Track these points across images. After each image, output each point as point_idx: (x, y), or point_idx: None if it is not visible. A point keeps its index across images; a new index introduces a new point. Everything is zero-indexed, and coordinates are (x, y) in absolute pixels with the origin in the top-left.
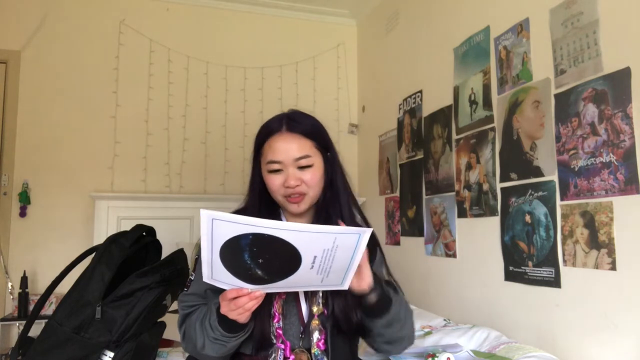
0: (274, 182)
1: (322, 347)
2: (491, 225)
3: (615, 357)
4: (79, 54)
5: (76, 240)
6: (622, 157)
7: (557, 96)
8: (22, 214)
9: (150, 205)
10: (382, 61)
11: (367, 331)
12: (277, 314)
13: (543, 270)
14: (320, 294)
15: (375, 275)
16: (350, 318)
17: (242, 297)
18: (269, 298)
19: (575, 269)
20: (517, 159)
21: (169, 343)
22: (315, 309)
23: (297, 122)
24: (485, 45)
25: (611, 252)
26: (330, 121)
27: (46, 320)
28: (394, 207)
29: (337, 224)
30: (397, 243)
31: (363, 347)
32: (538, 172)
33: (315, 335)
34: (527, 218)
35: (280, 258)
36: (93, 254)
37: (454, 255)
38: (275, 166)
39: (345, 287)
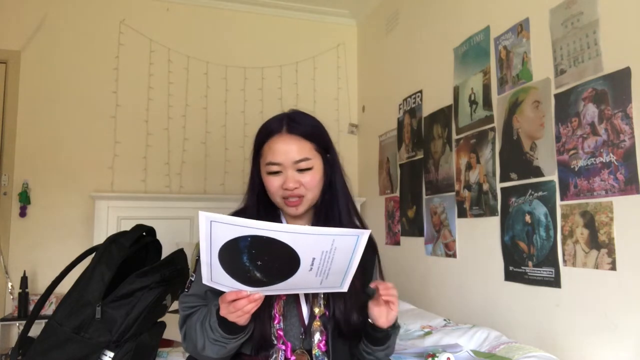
0: (273, 184)
1: (323, 349)
2: (491, 225)
3: (615, 357)
4: (79, 54)
5: (76, 240)
6: (622, 157)
7: (557, 96)
8: (22, 214)
9: (150, 205)
10: (382, 61)
11: (361, 348)
12: (277, 315)
13: (543, 270)
14: (322, 295)
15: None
16: (350, 321)
17: (241, 300)
18: (269, 299)
19: (575, 269)
20: (517, 159)
21: (169, 343)
22: (316, 310)
23: (297, 124)
24: (485, 45)
25: (611, 252)
26: (330, 121)
27: (46, 320)
28: (394, 207)
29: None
30: (397, 243)
31: None
32: (538, 172)
33: (317, 337)
34: (527, 218)
35: (278, 260)
36: (93, 254)
37: (454, 255)
38: (274, 168)
39: (345, 289)
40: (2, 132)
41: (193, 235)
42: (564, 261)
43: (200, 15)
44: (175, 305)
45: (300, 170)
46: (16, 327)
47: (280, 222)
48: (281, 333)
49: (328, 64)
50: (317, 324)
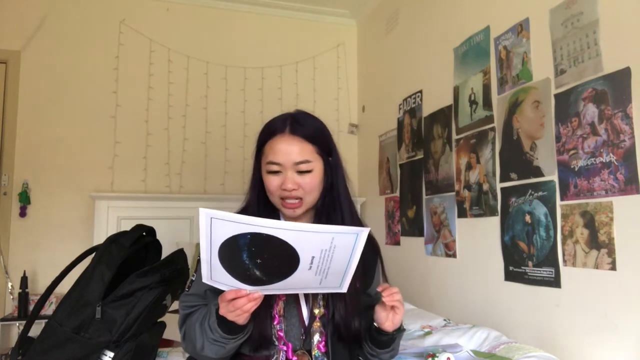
0: (272, 183)
1: (323, 350)
2: (491, 225)
3: (615, 357)
4: (79, 54)
5: (76, 240)
6: (622, 157)
7: (557, 96)
8: (22, 214)
9: (150, 205)
10: (382, 61)
11: (365, 351)
12: (277, 316)
13: (543, 270)
14: (321, 296)
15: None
16: (350, 326)
17: (240, 299)
18: (269, 300)
19: (575, 269)
20: (517, 159)
21: (169, 343)
22: (316, 311)
23: (300, 125)
24: (485, 45)
25: (611, 252)
26: (330, 121)
27: (46, 320)
28: (394, 207)
29: None
30: (397, 243)
31: None
32: (538, 172)
33: (316, 338)
34: (527, 218)
35: (278, 258)
36: (93, 254)
37: (454, 255)
38: (275, 167)
39: (344, 290)
40: (2, 132)
41: (193, 235)
42: (564, 261)
43: (200, 15)
44: (175, 305)
45: (300, 172)
46: (16, 327)
47: (280, 220)
48: (282, 334)
49: (328, 64)
50: (317, 324)
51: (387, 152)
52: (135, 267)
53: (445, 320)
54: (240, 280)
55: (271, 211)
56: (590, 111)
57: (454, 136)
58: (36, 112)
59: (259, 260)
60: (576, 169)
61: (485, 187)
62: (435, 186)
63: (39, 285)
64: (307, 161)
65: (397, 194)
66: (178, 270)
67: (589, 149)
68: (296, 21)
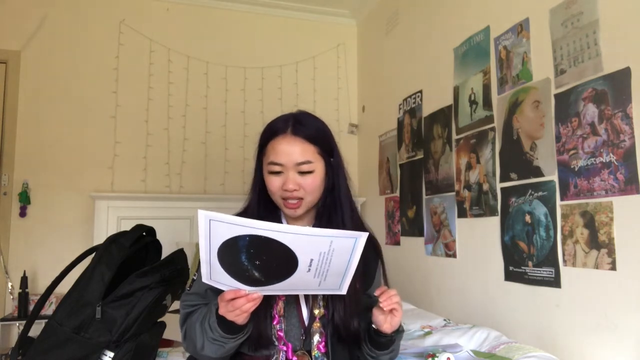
0: (273, 184)
1: (323, 350)
2: (491, 225)
3: (615, 357)
4: (79, 53)
5: (76, 240)
6: (622, 157)
7: (557, 96)
8: (22, 214)
9: (150, 205)
10: (382, 61)
11: (364, 352)
12: (277, 316)
13: (543, 270)
14: (321, 296)
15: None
16: (349, 327)
17: (239, 299)
18: (269, 300)
19: (575, 269)
20: (517, 159)
21: (169, 343)
22: (316, 311)
23: (302, 125)
24: (485, 45)
25: (611, 252)
26: (330, 121)
27: (46, 320)
28: (394, 207)
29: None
30: (397, 243)
31: None
32: (538, 172)
33: (316, 338)
34: (527, 218)
35: (277, 260)
36: (93, 254)
37: (454, 255)
38: (276, 168)
39: (344, 292)
40: (2, 132)
41: (193, 235)
42: (564, 261)
43: (200, 15)
44: (175, 305)
45: (301, 173)
46: (16, 327)
47: (280, 221)
48: (282, 334)
49: (328, 64)
50: (316, 325)
51: (387, 152)
52: (135, 267)
53: (445, 320)
54: (239, 281)
55: (272, 211)
56: (590, 111)
57: (454, 136)
58: (36, 112)
59: (257, 262)
60: (576, 169)
61: (485, 187)
62: (435, 186)
63: (39, 285)
64: (308, 162)
65: (397, 194)
66: (178, 270)
67: (589, 149)
68: (296, 21)
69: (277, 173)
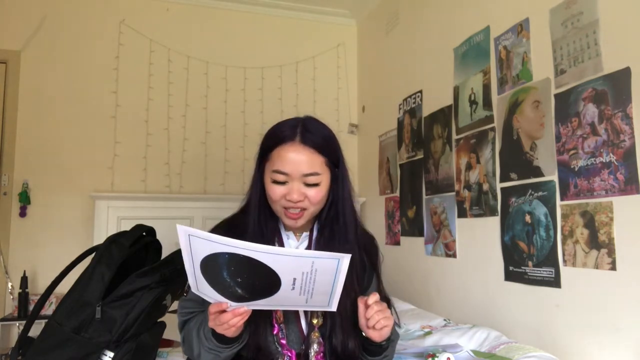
0: (276, 192)
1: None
2: (491, 225)
3: (615, 357)
4: (79, 54)
5: (76, 240)
6: (622, 157)
7: (557, 96)
8: (22, 214)
9: (150, 205)
10: (382, 61)
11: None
12: (276, 324)
13: (543, 270)
14: None
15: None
16: (345, 348)
17: (226, 314)
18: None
19: (575, 269)
20: (517, 159)
21: (169, 343)
22: (315, 321)
23: (311, 134)
24: (485, 45)
25: (611, 252)
26: (330, 121)
27: (46, 320)
28: (394, 207)
29: (342, 244)
30: (397, 243)
31: None
32: (538, 172)
33: (314, 348)
34: (527, 218)
35: (259, 278)
36: (93, 254)
37: (454, 255)
38: (281, 177)
39: (333, 308)
40: (2, 132)
41: None
42: (564, 261)
43: (200, 15)
44: (175, 305)
45: (307, 184)
46: (16, 327)
47: (279, 229)
48: (284, 342)
49: (328, 64)
50: (315, 335)
51: (387, 152)
52: (135, 267)
53: (445, 320)
54: (224, 296)
55: (270, 217)
56: (590, 111)
57: (454, 136)
58: (36, 112)
59: (239, 279)
60: (576, 169)
61: (485, 187)
62: (435, 186)
63: (39, 285)
64: (316, 173)
65: (397, 194)
66: (178, 270)
67: (589, 149)
68: (296, 21)
69: (282, 182)
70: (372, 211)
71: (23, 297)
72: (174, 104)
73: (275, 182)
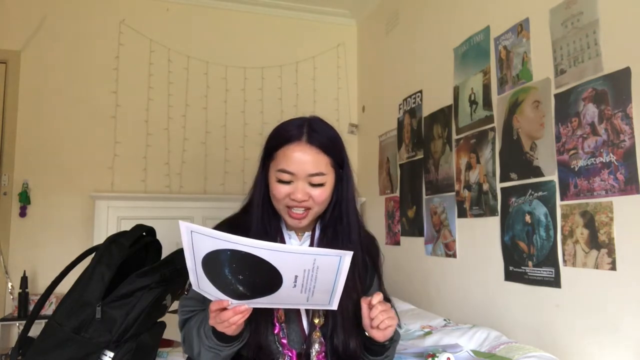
0: (280, 191)
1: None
2: (491, 225)
3: (615, 357)
4: (79, 54)
5: (76, 240)
6: (622, 157)
7: (557, 96)
8: (22, 214)
9: (150, 205)
10: (382, 61)
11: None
12: (277, 324)
13: (543, 270)
14: None
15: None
16: (347, 348)
17: (227, 312)
18: (267, 309)
19: (575, 269)
20: (517, 159)
21: (169, 343)
22: (316, 320)
23: (317, 134)
24: (485, 45)
25: (611, 252)
26: (330, 121)
27: (46, 320)
28: (394, 207)
29: (346, 244)
30: (397, 243)
31: None
32: (538, 172)
33: (316, 347)
34: (527, 218)
35: (260, 275)
36: (93, 254)
37: (454, 255)
38: (286, 177)
39: (334, 307)
40: (2, 132)
41: None
42: (564, 261)
43: (200, 15)
44: (175, 305)
45: (312, 184)
46: (16, 327)
47: (281, 228)
48: (285, 341)
49: (328, 64)
50: (317, 334)
51: (387, 152)
52: (135, 267)
53: (445, 320)
54: (225, 294)
55: (273, 216)
56: (590, 111)
57: (454, 136)
58: (36, 112)
59: (240, 277)
60: (576, 169)
61: (485, 187)
62: (435, 186)
63: (39, 285)
64: (321, 174)
65: (397, 194)
66: (178, 270)
67: (589, 149)
68: (296, 21)
69: (287, 182)
70: (372, 211)
71: (23, 297)
72: (174, 104)
73: (280, 181)
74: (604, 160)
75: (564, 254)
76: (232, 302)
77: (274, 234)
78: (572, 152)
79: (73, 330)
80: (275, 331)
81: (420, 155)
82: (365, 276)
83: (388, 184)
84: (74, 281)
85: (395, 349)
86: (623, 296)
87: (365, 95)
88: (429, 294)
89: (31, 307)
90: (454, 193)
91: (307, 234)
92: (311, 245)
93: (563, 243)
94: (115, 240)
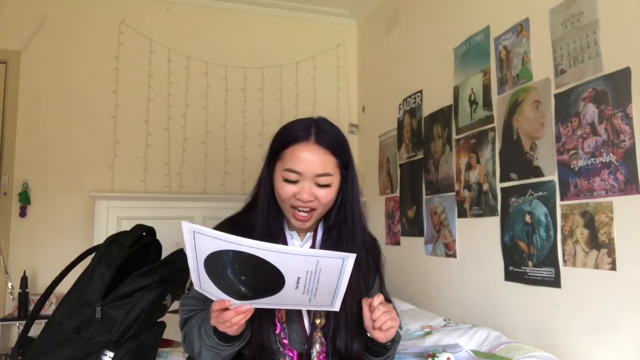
0: (286, 191)
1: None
2: (491, 225)
3: (615, 357)
4: (79, 54)
5: (76, 240)
6: (622, 157)
7: (557, 96)
8: (22, 214)
9: (150, 205)
10: (382, 61)
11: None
12: (279, 324)
13: (543, 270)
14: None
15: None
16: (349, 350)
17: (229, 312)
18: (269, 309)
19: (575, 269)
20: (517, 159)
21: (169, 343)
22: (318, 321)
23: (325, 134)
24: (485, 45)
25: (611, 252)
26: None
27: (46, 320)
28: (394, 207)
29: (350, 246)
30: (397, 243)
31: None
32: (538, 172)
33: (317, 348)
34: (527, 218)
35: (263, 277)
36: (93, 254)
37: (454, 255)
38: (293, 176)
39: (336, 308)
40: (2, 132)
41: None
42: (564, 261)
43: (200, 15)
44: (175, 305)
45: (319, 185)
46: (16, 327)
47: (283, 229)
48: (286, 342)
49: (328, 64)
50: (318, 335)
51: (387, 152)
52: (135, 267)
53: (445, 320)
54: (227, 294)
55: (277, 216)
56: (590, 111)
57: (454, 136)
58: (36, 112)
59: (243, 277)
60: (576, 169)
61: (485, 187)
62: (435, 186)
63: (39, 285)
64: (328, 174)
65: (397, 194)
66: (178, 270)
67: (589, 149)
68: (296, 21)
69: (293, 181)
70: (372, 211)
71: (23, 297)
72: (174, 104)
73: (287, 180)
74: (604, 160)
75: (564, 254)
76: (234, 302)
77: (278, 234)
78: (572, 152)
79: (73, 330)
80: (277, 331)
81: (420, 155)
82: (369, 278)
83: (388, 184)
84: (74, 281)
85: (396, 349)
86: (623, 296)
87: (365, 95)
88: (429, 294)
89: (31, 307)
90: (454, 193)
91: (309, 234)
92: (312, 246)
93: (563, 243)
94: (115, 240)
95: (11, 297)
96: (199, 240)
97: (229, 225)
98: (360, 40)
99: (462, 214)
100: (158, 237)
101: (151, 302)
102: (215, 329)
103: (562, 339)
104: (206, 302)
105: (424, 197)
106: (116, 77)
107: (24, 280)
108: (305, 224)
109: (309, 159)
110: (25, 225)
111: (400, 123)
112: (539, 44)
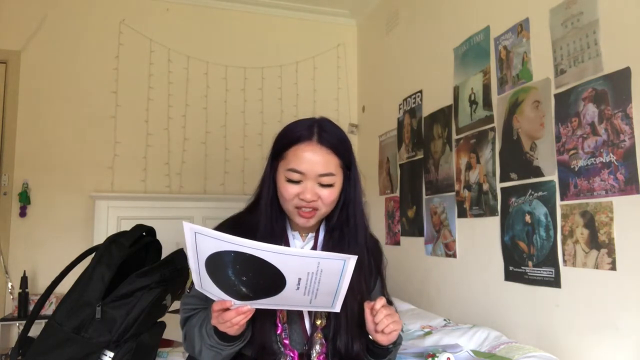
0: (289, 191)
1: None
2: (491, 225)
3: (615, 357)
4: (79, 54)
5: (76, 240)
6: (622, 157)
7: (557, 96)
8: (22, 214)
9: (150, 205)
10: (382, 61)
11: None
12: (280, 324)
13: (543, 270)
14: None
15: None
16: (350, 351)
17: (229, 312)
18: (270, 309)
19: (575, 269)
20: (517, 159)
21: (169, 343)
22: (318, 321)
23: (328, 134)
24: (485, 45)
25: (611, 252)
26: None
27: (46, 320)
28: (394, 207)
29: (352, 246)
30: (397, 243)
31: None
32: (538, 172)
33: (317, 348)
34: (527, 218)
35: (264, 277)
36: (93, 254)
37: (454, 255)
38: (296, 176)
39: (337, 309)
40: (2, 132)
41: None
42: (564, 261)
43: (200, 15)
44: (175, 305)
45: (321, 185)
46: (16, 327)
47: (285, 229)
48: (287, 342)
49: (328, 64)
50: (318, 335)
51: (387, 152)
52: (135, 267)
53: (445, 320)
54: (228, 294)
55: (280, 216)
56: (590, 111)
57: (454, 136)
58: (36, 112)
59: (244, 278)
60: (576, 169)
61: (485, 187)
62: (435, 186)
63: (39, 285)
64: (330, 174)
65: (397, 194)
66: (178, 270)
67: (589, 149)
68: (296, 21)
69: (296, 181)
70: (372, 211)
71: (23, 297)
72: (174, 104)
73: (290, 180)
74: (604, 160)
75: (564, 254)
76: (234, 302)
77: (280, 234)
78: (572, 152)
79: (73, 330)
80: (278, 331)
81: (420, 155)
82: (370, 279)
83: (388, 184)
84: (74, 281)
85: (397, 351)
86: (623, 296)
87: (365, 95)
88: (429, 294)
89: (31, 307)
90: (454, 193)
91: (311, 235)
92: (314, 246)
93: (563, 243)
94: (115, 240)
95: (11, 297)
96: (200, 240)
97: (232, 225)
98: (360, 40)
99: (462, 214)
100: (158, 237)
101: (151, 302)
102: (215, 329)
103: (562, 339)
104: (207, 301)
105: (424, 197)
106: (116, 77)
107: (24, 280)
108: (309, 221)
109: (312, 158)
110: (25, 225)
111: (400, 123)
112: (539, 44)
